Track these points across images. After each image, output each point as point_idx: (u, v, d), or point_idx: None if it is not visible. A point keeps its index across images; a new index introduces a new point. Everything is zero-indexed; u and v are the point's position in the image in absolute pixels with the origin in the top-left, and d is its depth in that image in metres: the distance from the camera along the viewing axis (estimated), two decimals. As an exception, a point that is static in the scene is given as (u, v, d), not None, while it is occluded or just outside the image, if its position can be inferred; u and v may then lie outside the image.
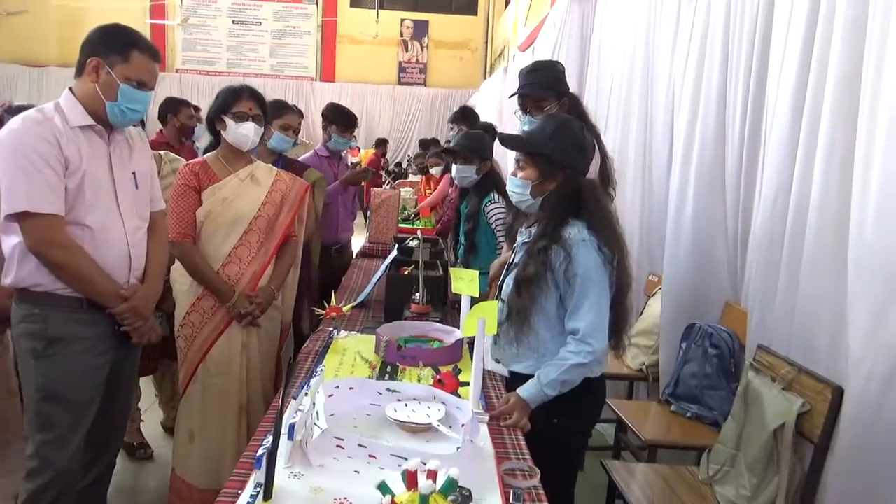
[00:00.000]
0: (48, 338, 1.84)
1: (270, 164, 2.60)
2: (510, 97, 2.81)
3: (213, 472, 2.35)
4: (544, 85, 2.45)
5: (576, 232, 1.77)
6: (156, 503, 2.66)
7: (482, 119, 4.42)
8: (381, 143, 11.70)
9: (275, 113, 2.93)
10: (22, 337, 1.86)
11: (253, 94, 2.40)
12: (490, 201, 2.93)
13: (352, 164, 3.86)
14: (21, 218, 1.75)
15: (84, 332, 1.89)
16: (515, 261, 1.92)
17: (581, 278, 1.74)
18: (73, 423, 1.90)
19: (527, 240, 1.89)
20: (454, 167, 3.05)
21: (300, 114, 3.36)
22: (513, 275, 1.88)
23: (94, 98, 1.85)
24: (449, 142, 4.80)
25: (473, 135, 3.15)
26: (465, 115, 4.20)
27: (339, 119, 3.66)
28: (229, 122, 2.33)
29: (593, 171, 2.35)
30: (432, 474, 0.95)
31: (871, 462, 1.75)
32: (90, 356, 1.91)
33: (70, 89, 1.89)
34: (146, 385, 3.24)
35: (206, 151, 2.54)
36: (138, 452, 3.00)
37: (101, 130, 1.90)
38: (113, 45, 1.86)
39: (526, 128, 2.21)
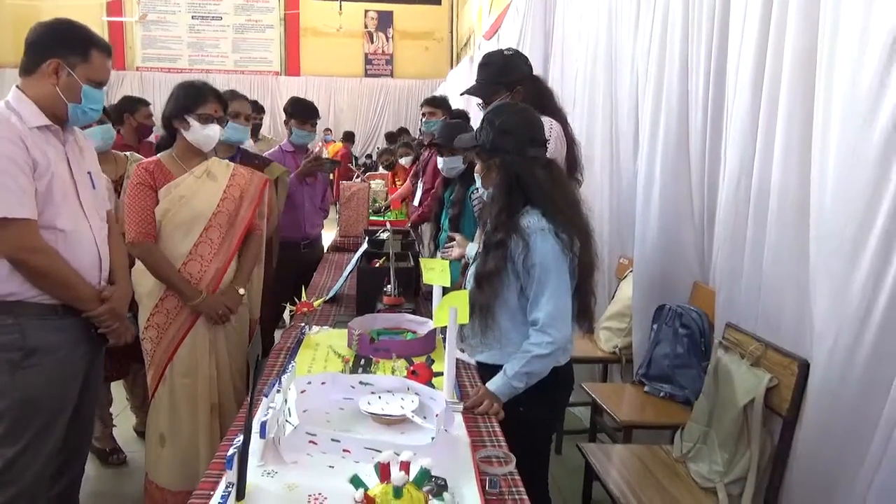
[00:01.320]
0: (26, 348, 1.77)
1: (227, 160, 2.55)
2: (461, 95, 2.82)
3: (187, 475, 2.32)
4: (491, 80, 2.46)
5: (534, 221, 1.76)
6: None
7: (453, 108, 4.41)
8: (349, 137, 11.62)
9: None
10: None
11: (217, 95, 2.39)
12: (476, 189, 2.94)
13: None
14: None
15: (61, 339, 1.84)
16: (479, 250, 1.92)
17: (539, 267, 1.74)
18: (46, 431, 1.85)
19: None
20: (440, 160, 3.05)
21: (249, 101, 3.27)
22: (474, 269, 1.88)
23: (54, 99, 1.78)
24: (421, 130, 4.80)
25: (455, 125, 3.15)
26: (438, 104, 4.19)
27: (298, 111, 3.60)
28: (194, 123, 2.29)
29: (560, 155, 2.37)
30: (405, 465, 0.95)
31: (837, 431, 1.79)
32: (68, 363, 1.87)
33: (18, 88, 1.81)
34: (117, 389, 3.19)
35: (158, 149, 2.49)
36: (111, 458, 2.96)
37: (56, 130, 1.84)
38: (71, 45, 1.79)
39: None
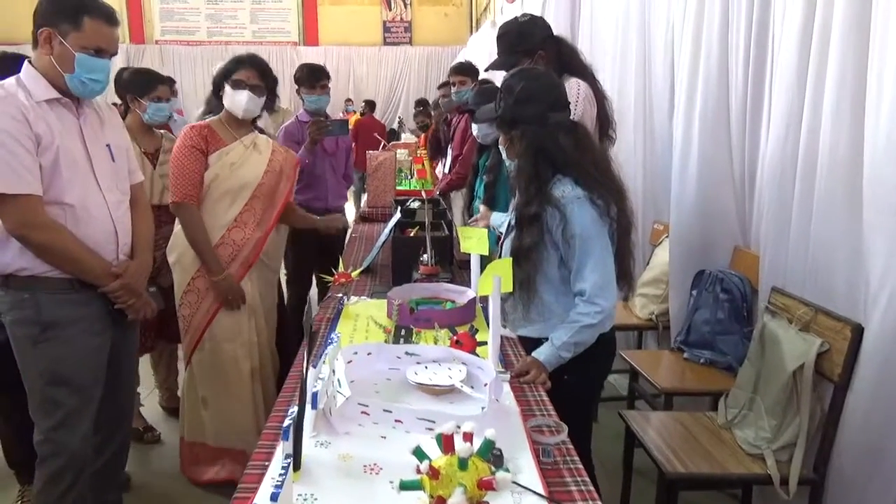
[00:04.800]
0: (42, 322, 1.78)
1: (266, 136, 2.58)
2: (485, 71, 2.77)
3: (226, 433, 2.44)
4: (509, 51, 2.40)
5: (568, 190, 1.72)
6: (173, 483, 2.66)
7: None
8: (371, 106, 11.54)
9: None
10: (15, 325, 1.80)
11: (254, 63, 2.40)
12: None
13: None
14: (2, 199, 1.66)
15: (79, 313, 1.83)
16: (511, 222, 1.88)
17: (580, 238, 1.70)
18: (81, 404, 1.87)
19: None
20: (475, 126, 3.00)
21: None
22: (510, 242, 1.84)
23: (53, 70, 1.75)
24: (445, 97, 4.71)
25: (487, 90, 3.09)
26: (467, 72, 4.11)
27: (303, 76, 3.48)
28: (227, 88, 2.36)
29: (589, 115, 2.31)
30: (468, 437, 0.93)
31: (890, 397, 1.75)
32: (89, 336, 1.86)
33: (29, 62, 1.78)
34: (143, 368, 3.21)
35: (203, 118, 2.51)
36: (146, 436, 2.98)
37: (68, 103, 1.81)
38: (62, 13, 1.74)
39: None
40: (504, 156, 1.89)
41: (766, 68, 2.34)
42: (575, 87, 2.28)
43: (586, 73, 2.40)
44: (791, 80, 2.10)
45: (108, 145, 1.90)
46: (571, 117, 1.90)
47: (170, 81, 2.89)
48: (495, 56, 2.51)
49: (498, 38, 2.48)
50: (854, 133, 1.85)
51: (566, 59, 2.39)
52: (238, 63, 2.37)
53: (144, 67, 2.91)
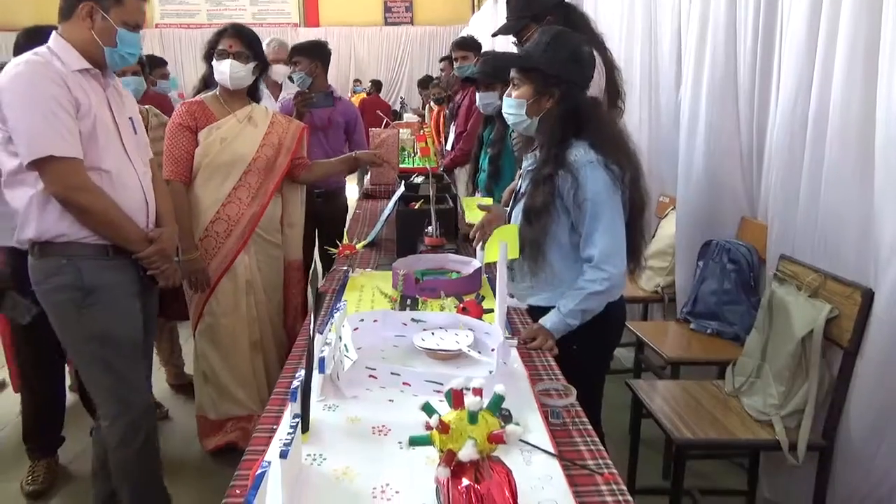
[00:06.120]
0: (85, 287, 1.78)
1: (266, 107, 2.56)
2: (493, 36, 2.72)
3: (226, 407, 2.48)
4: (518, 15, 2.38)
5: (581, 153, 1.69)
6: (181, 458, 2.68)
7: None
8: (377, 86, 11.51)
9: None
10: (53, 291, 1.79)
11: (236, 32, 2.38)
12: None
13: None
14: (44, 164, 1.67)
15: (116, 279, 1.85)
16: (522, 189, 1.86)
17: (591, 202, 1.67)
18: (134, 360, 1.90)
19: (532, 166, 1.82)
20: (478, 95, 2.97)
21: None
22: (521, 205, 1.82)
23: (91, 44, 1.76)
24: (438, 78, 4.68)
25: (491, 57, 3.07)
26: (470, 46, 4.07)
27: (290, 55, 3.48)
28: (213, 61, 2.35)
29: (598, 84, 2.28)
30: (478, 391, 0.92)
31: (900, 361, 1.74)
32: (127, 302, 1.89)
33: (58, 33, 1.78)
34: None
35: (197, 94, 2.50)
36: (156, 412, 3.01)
37: (97, 74, 1.82)
38: None
39: None
40: (514, 111, 1.78)
41: (776, 34, 2.30)
42: None
43: (597, 43, 2.37)
44: (801, 45, 2.06)
45: (130, 118, 1.93)
46: None
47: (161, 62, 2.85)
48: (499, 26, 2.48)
49: (507, 2, 2.45)
50: (866, 97, 1.81)
51: (576, 27, 2.33)
52: (220, 34, 2.37)
53: None
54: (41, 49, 1.74)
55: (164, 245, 1.91)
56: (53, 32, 1.79)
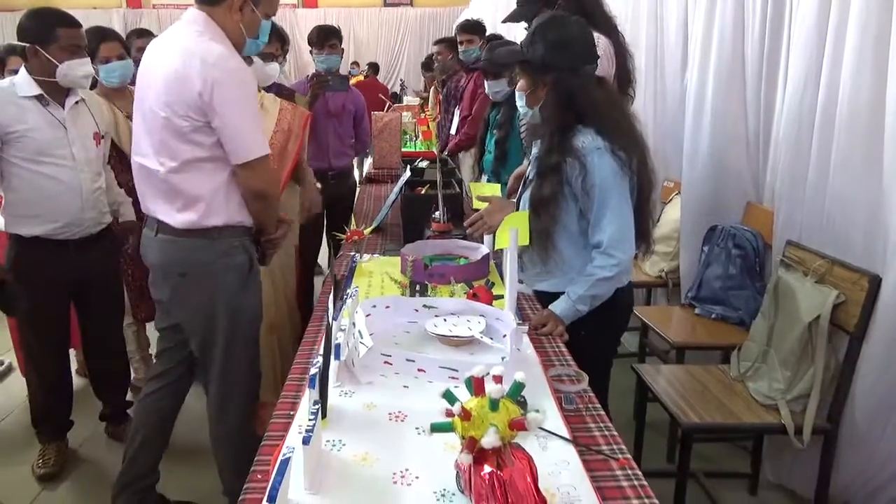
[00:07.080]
0: (252, 266, 1.88)
1: (272, 94, 2.55)
2: (502, 23, 2.70)
3: None
4: (527, 0, 2.33)
5: (588, 140, 1.68)
6: (199, 442, 2.67)
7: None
8: (374, 68, 11.44)
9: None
10: (225, 272, 1.82)
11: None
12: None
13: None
14: (257, 162, 1.73)
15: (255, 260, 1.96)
16: (530, 176, 1.86)
17: (599, 188, 1.67)
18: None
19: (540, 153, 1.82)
20: (486, 83, 2.97)
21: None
22: (528, 193, 1.82)
23: (238, 34, 1.78)
24: (440, 54, 4.63)
25: (501, 45, 3.05)
26: (475, 30, 4.04)
27: (313, 37, 3.53)
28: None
29: (605, 70, 2.25)
30: (498, 379, 0.93)
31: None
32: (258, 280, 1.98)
33: (206, 15, 1.73)
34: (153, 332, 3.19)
35: None
36: None
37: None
38: None
39: None
40: (522, 103, 1.82)
41: (785, 18, 2.28)
42: (595, 42, 2.22)
43: (608, 26, 2.32)
44: (811, 30, 2.06)
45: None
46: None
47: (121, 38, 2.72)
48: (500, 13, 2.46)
49: None
50: (876, 83, 1.81)
51: (589, 11, 2.26)
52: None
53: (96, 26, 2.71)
54: (226, 46, 1.71)
55: (286, 227, 2.03)
56: (211, 22, 1.72)
